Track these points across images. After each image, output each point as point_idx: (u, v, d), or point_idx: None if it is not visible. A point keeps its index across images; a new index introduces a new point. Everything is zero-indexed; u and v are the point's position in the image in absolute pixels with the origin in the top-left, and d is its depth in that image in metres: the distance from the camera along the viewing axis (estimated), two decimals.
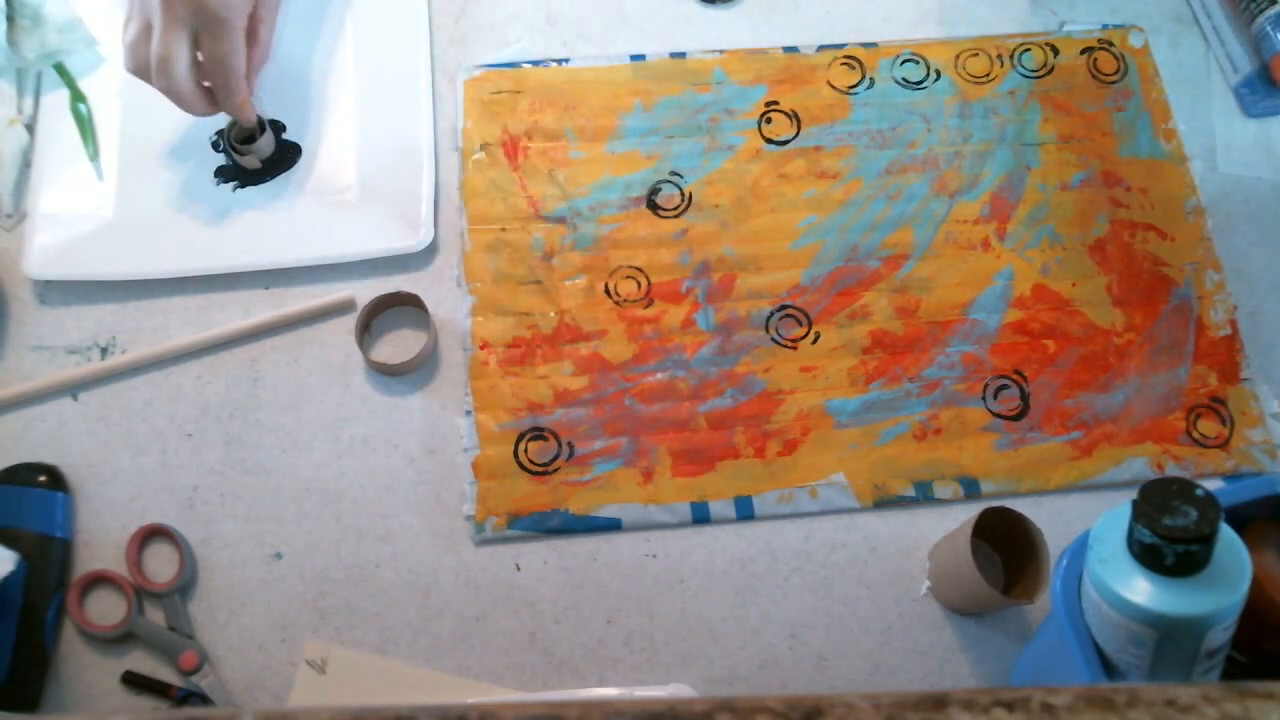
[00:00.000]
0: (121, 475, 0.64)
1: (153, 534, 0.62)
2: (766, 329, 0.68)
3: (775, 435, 0.66)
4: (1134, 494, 0.44)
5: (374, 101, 0.73)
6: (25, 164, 0.70)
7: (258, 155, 0.70)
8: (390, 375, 0.67)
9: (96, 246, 0.68)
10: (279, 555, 0.62)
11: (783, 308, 0.69)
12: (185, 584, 0.61)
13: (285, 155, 0.71)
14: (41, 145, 0.71)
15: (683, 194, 0.72)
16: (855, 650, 0.61)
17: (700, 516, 0.64)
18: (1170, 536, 0.42)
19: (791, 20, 0.78)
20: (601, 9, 0.78)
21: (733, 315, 0.69)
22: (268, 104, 0.73)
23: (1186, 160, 0.74)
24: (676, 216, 0.71)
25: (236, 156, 0.70)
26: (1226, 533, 0.44)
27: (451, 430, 0.65)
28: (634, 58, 0.76)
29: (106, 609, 0.61)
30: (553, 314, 0.68)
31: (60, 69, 0.72)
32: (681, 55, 0.76)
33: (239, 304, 0.68)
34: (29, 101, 0.72)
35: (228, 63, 0.60)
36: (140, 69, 0.62)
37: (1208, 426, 0.67)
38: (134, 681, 0.59)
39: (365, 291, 0.68)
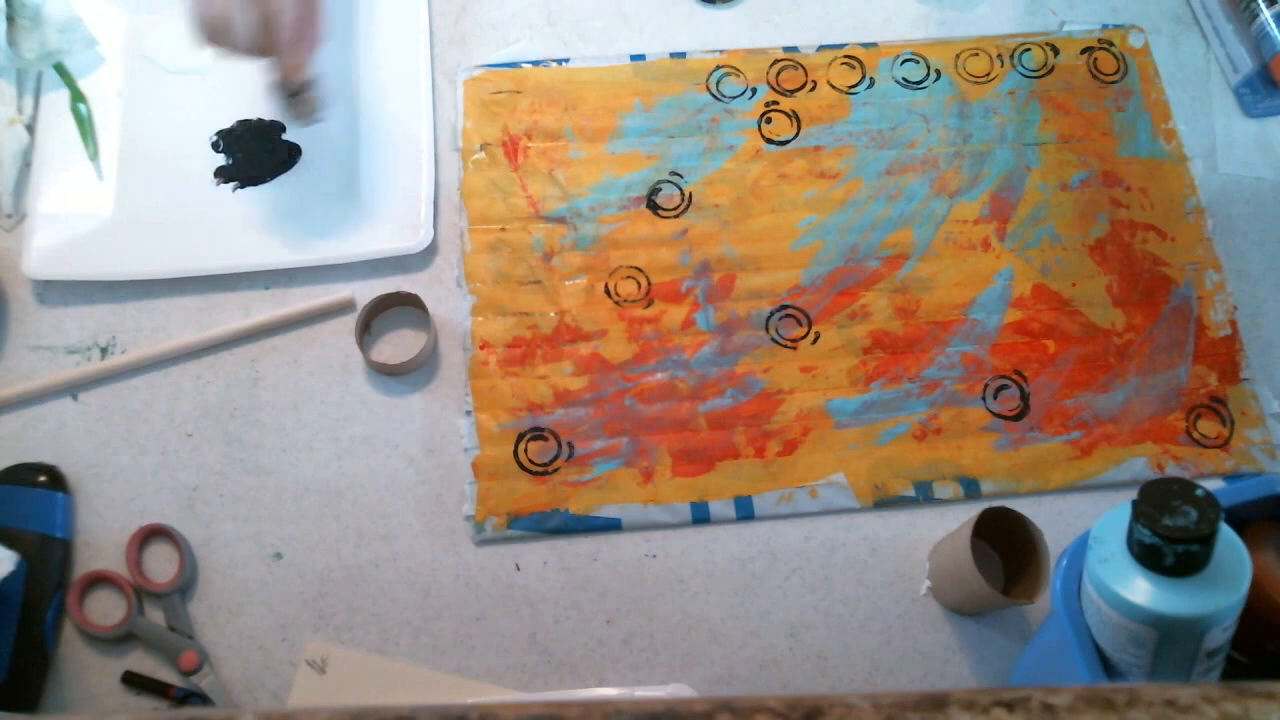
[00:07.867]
0: (121, 475, 0.64)
1: (153, 534, 0.62)
2: (766, 329, 0.68)
3: (775, 435, 0.65)
4: (1134, 494, 0.44)
5: (374, 101, 0.73)
6: (25, 164, 0.70)
7: (305, 110, 0.66)
8: (390, 375, 0.67)
9: (96, 246, 0.68)
10: (279, 555, 0.62)
11: (783, 308, 0.69)
12: (185, 584, 0.61)
13: (288, 152, 0.71)
14: (41, 145, 0.70)
15: (683, 194, 0.72)
16: (855, 650, 0.61)
17: (700, 516, 0.64)
18: (1170, 536, 0.42)
19: (791, 20, 0.78)
20: (601, 9, 0.78)
21: (733, 315, 0.68)
22: (267, 104, 0.72)
23: (1186, 160, 0.74)
24: (676, 216, 0.71)
25: (290, 105, 0.66)
26: (1226, 533, 0.44)
27: (451, 430, 0.65)
28: (634, 58, 0.76)
29: (106, 609, 0.61)
30: (553, 314, 0.68)
31: (60, 69, 0.72)
32: (681, 55, 0.76)
33: (239, 304, 0.68)
34: (29, 101, 0.72)
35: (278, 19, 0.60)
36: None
37: (1208, 426, 0.67)
38: (134, 681, 0.59)
39: (365, 291, 0.68)
